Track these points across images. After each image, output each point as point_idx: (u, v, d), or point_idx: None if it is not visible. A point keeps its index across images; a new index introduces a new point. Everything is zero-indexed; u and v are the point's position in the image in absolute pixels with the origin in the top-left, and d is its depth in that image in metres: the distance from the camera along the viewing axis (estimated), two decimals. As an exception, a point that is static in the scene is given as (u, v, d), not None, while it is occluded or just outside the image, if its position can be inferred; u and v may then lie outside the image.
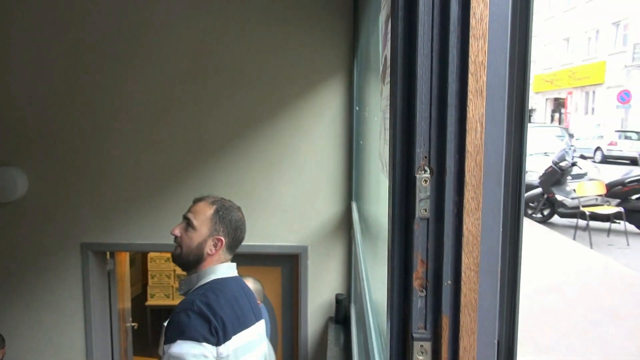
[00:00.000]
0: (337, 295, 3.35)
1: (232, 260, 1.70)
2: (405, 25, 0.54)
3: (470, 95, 0.51)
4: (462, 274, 0.49)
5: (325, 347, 3.28)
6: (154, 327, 5.30)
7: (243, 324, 1.55)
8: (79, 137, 3.34)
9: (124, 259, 4.07)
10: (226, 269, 1.64)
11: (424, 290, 0.53)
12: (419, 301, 0.53)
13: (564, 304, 4.65)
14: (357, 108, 3.09)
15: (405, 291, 0.56)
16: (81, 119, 3.32)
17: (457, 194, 0.50)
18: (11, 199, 3.29)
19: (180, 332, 1.42)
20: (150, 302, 5.41)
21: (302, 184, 3.37)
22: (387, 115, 1.27)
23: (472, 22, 0.50)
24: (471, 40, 0.50)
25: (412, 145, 0.53)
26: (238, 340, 1.52)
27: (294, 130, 3.33)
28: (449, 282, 0.50)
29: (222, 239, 1.61)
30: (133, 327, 4.17)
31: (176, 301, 4.71)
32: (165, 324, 1.51)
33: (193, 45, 3.28)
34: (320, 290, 3.45)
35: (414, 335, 0.53)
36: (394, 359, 0.57)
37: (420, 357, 0.53)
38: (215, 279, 1.59)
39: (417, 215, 0.52)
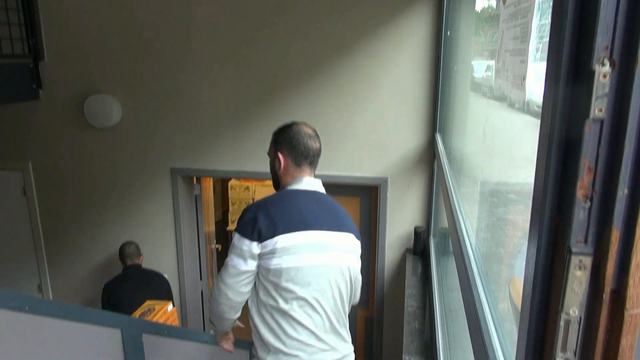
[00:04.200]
0: (416, 228, 3.34)
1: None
2: None
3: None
4: (645, 182, 0.43)
5: (402, 277, 3.32)
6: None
7: (299, 226, 1.62)
8: (169, 68, 3.43)
9: (209, 185, 4.26)
10: (303, 182, 1.73)
11: (588, 201, 0.48)
12: (580, 212, 0.48)
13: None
14: (448, 33, 2.89)
15: (563, 202, 0.51)
16: (170, 52, 3.40)
17: (647, 90, 0.43)
18: (107, 125, 3.50)
19: (237, 225, 1.66)
20: (231, 227, 5.70)
21: (383, 115, 3.28)
22: (507, 34, 1.16)
23: None
24: None
25: (587, 34, 0.46)
26: (291, 239, 1.60)
27: (375, 60, 3.21)
28: (626, 191, 0.45)
29: (281, 155, 1.74)
30: (217, 249, 4.44)
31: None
32: None
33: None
34: (399, 222, 3.44)
35: (573, 249, 0.49)
36: (540, 276, 0.53)
37: (579, 273, 0.49)
38: (287, 190, 1.73)
39: (590, 116, 0.45)
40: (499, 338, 0.92)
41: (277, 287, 1.60)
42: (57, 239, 3.96)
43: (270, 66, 3.32)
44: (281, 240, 1.60)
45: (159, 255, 3.79)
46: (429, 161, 3.31)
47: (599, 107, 0.45)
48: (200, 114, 3.47)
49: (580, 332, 0.50)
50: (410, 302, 2.82)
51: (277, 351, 1.61)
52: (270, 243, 1.59)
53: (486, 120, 1.88)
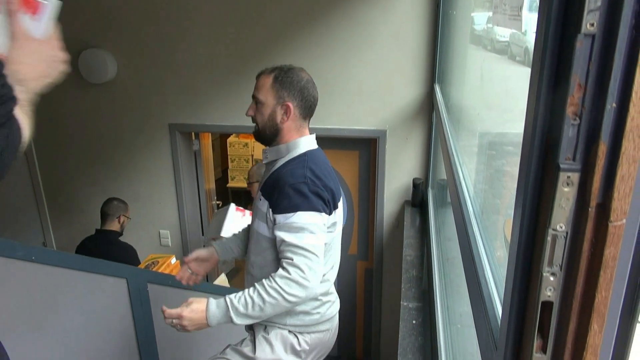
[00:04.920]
0: (414, 180, 3.36)
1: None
2: None
3: None
4: (633, 95, 0.44)
5: (401, 228, 3.38)
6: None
7: (339, 193, 1.60)
8: (163, 22, 3.35)
9: (207, 142, 4.26)
10: (313, 141, 1.63)
11: (577, 118, 0.49)
12: (570, 130, 0.49)
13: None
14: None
15: (553, 120, 0.51)
16: (167, 5, 3.31)
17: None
18: (102, 80, 3.46)
19: (300, 204, 1.44)
20: (231, 184, 5.75)
21: (381, 66, 3.24)
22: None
23: None
24: None
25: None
26: (339, 209, 1.60)
27: (373, 8, 3.14)
28: (614, 104, 0.46)
29: (289, 103, 1.55)
30: (218, 205, 4.48)
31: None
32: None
33: None
34: (397, 174, 3.46)
35: (561, 166, 0.50)
36: (530, 189, 0.55)
37: (566, 189, 0.50)
38: (309, 151, 1.59)
39: (581, 31, 0.46)
40: (494, 280, 0.95)
41: None
42: (59, 198, 3.99)
43: (266, 15, 3.24)
44: (337, 211, 1.58)
45: (161, 212, 3.83)
46: (428, 112, 3.29)
47: (590, 22, 0.45)
48: (196, 68, 3.42)
49: (566, 246, 0.52)
50: (409, 252, 2.88)
51: (299, 312, 1.61)
52: (333, 215, 1.55)
53: (485, 73, 1.87)
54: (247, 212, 3.41)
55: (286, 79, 1.56)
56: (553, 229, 0.52)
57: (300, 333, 1.61)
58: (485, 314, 0.83)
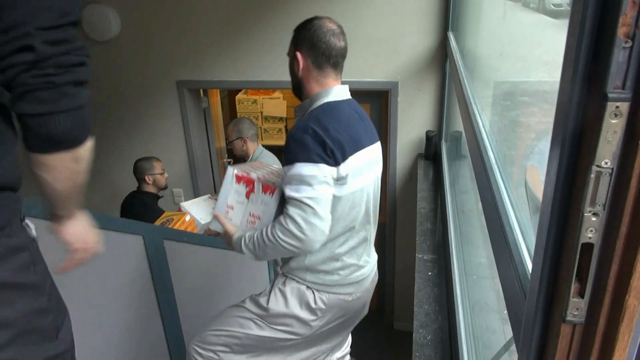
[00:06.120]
0: (427, 132, 3.30)
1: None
2: None
3: None
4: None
5: (414, 182, 3.35)
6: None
7: (358, 145, 1.52)
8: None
9: (216, 100, 4.20)
10: (337, 92, 1.57)
11: (629, 40, 0.44)
12: (620, 54, 0.44)
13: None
14: None
15: (600, 42, 0.46)
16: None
17: None
18: (106, 37, 3.38)
19: (298, 155, 1.41)
20: (241, 142, 5.70)
21: (392, 13, 3.11)
22: None
23: None
24: None
25: None
26: (355, 161, 1.49)
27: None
28: (674, 21, 0.40)
29: (298, 52, 1.54)
30: (229, 162, 4.46)
31: (265, 142, 4.92)
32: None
33: None
34: (410, 127, 3.40)
35: (609, 95, 0.45)
36: (571, 122, 0.51)
37: (614, 121, 0.46)
38: (327, 102, 1.53)
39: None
40: (520, 227, 0.91)
41: (333, 212, 1.48)
42: (71, 158, 3.99)
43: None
44: (350, 163, 1.47)
45: (173, 171, 3.82)
46: (441, 62, 3.19)
47: None
48: (203, 22, 3.32)
49: (612, 183, 0.48)
50: (423, 205, 2.85)
51: (319, 271, 1.57)
52: (342, 168, 1.45)
53: (499, 21, 1.78)
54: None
55: (298, 29, 1.56)
56: (597, 166, 0.48)
57: (318, 291, 1.57)
58: (511, 262, 0.80)
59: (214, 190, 4.16)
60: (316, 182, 1.40)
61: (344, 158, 1.45)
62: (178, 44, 3.41)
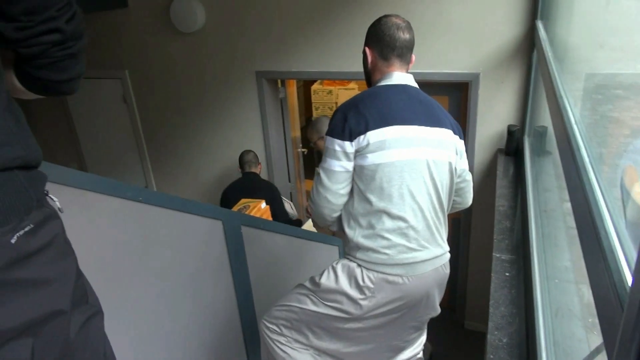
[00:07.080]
0: (509, 127, 3.15)
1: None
2: None
3: None
4: None
5: (493, 178, 3.22)
6: (320, 153, 5.74)
7: (391, 120, 1.57)
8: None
9: (293, 91, 4.27)
10: (392, 78, 1.67)
11: None
12: None
13: None
14: None
15: None
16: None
17: None
18: (192, 29, 3.54)
19: (327, 129, 1.65)
20: (316, 132, 5.77)
21: (476, 1, 2.99)
22: None
23: None
24: None
25: None
26: (382, 134, 1.55)
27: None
28: None
29: (366, 47, 1.72)
30: (303, 152, 4.54)
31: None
32: None
33: None
34: (490, 121, 3.27)
35: None
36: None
37: None
38: (377, 86, 1.69)
39: None
40: (616, 232, 0.85)
41: (370, 185, 1.56)
42: (157, 144, 4.25)
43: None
44: (373, 136, 1.55)
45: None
46: (527, 53, 3.03)
47: None
48: (282, 13, 3.39)
49: None
50: (502, 202, 2.74)
51: (367, 249, 1.58)
52: (362, 139, 1.56)
53: (601, 8, 1.65)
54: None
55: (369, 29, 1.72)
56: None
57: (367, 269, 1.58)
58: (606, 269, 0.75)
59: (288, 179, 4.26)
60: (329, 154, 1.61)
61: (367, 129, 1.55)
62: (259, 36, 3.50)
